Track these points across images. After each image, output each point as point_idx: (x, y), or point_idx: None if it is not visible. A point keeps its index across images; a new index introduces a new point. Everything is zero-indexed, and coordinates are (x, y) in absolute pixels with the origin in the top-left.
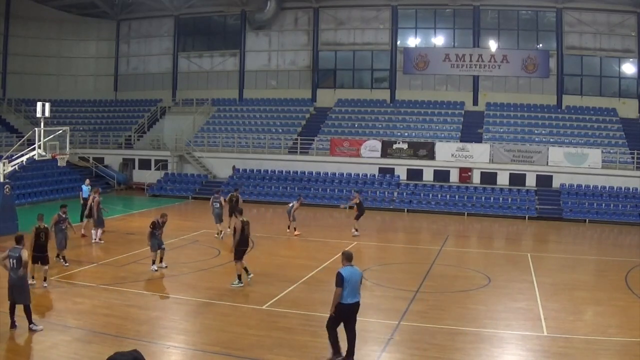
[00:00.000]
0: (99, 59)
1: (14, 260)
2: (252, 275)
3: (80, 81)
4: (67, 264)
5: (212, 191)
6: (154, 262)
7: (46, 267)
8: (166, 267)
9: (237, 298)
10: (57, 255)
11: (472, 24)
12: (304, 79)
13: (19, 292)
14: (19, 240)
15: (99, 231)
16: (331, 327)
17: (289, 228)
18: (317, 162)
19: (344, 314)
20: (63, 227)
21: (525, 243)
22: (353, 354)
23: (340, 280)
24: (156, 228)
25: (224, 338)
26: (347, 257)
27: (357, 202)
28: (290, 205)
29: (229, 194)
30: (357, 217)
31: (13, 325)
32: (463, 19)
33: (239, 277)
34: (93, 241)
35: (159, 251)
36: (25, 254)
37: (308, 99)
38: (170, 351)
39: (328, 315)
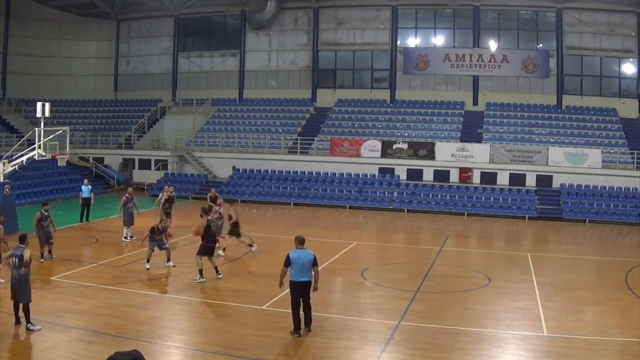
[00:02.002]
0: (99, 59)
1: (17, 259)
2: (221, 275)
3: (80, 81)
4: (50, 257)
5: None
6: (148, 261)
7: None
8: (174, 266)
9: (237, 298)
10: (42, 255)
11: (472, 24)
12: (304, 79)
13: (20, 291)
14: (22, 239)
15: (125, 229)
16: (293, 307)
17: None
18: (317, 162)
19: (297, 291)
20: (45, 225)
21: (525, 243)
22: (310, 322)
23: (287, 261)
24: (155, 233)
25: (224, 338)
26: (300, 241)
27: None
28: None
29: (208, 194)
30: (234, 233)
31: (17, 321)
32: (463, 19)
33: (200, 272)
34: (123, 238)
35: (164, 251)
36: (27, 254)
37: (308, 99)
38: (170, 351)
39: (327, 314)
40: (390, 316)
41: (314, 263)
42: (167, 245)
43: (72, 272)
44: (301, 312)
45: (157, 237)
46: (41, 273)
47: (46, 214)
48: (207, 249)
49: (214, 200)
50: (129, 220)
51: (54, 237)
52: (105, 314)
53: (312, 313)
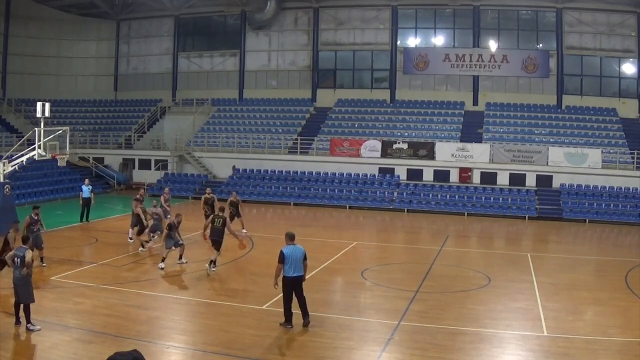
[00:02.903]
0: (99, 59)
1: (19, 260)
2: (213, 270)
3: (80, 81)
4: (41, 264)
5: (162, 191)
6: (163, 260)
7: None
8: (186, 262)
9: (237, 298)
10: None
11: (472, 24)
12: (304, 79)
13: (23, 291)
14: (25, 240)
15: (130, 230)
16: (284, 299)
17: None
18: (317, 162)
19: (290, 286)
20: (34, 230)
21: (525, 243)
22: (307, 314)
23: (281, 257)
24: (172, 229)
25: (224, 338)
26: (290, 237)
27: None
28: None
29: (229, 198)
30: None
31: (17, 321)
32: (463, 19)
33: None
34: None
35: (178, 248)
36: (29, 255)
37: (308, 99)
38: (170, 351)
39: (327, 314)
40: (390, 316)
41: (305, 257)
42: (182, 242)
43: (72, 272)
44: (295, 311)
45: (173, 233)
46: (41, 273)
47: (36, 217)
48: (212, 242)
49: (235, 204)
50: (134, 222)
51: (45, 242)
52: (105, 314)
53: (313, 313)
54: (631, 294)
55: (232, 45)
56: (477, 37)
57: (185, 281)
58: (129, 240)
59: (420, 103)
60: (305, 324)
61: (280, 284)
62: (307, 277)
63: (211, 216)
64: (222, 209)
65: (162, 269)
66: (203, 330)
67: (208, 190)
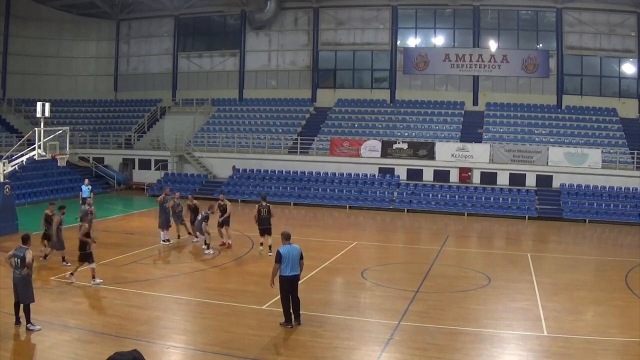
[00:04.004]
0: (99, 59)
1: (18, 260)
2: (270, 254)
3: (80, 81)
4: (45, 261)
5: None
6: (209, 247)
7: None
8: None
9: (237, 298)
10: (62, 259)
11: (472, 24)
12: (304, 79)
13: (23, 292)
14: (26, 240)
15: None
16: (283, 299)
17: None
18: (317, 162)
19: (287, 285)
20: (62, 229)
21: (525, 243)
22: (299, 316)
23: (278, 257)
24: (207, 219)
25: (224, 338)
26: (286, 237)
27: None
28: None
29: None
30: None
31: (17, 322)
32: (463, 19)
33: (261, 244)
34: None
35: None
36: (30, 255)
37: (308, 99)
38: (170, 351)
39: (327, 314)
40: (390, 316)
41: (301, 256)
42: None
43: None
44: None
45: (207, 224)
46: (41, 273)
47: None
48: (259, 230)
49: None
50: (162, 222)
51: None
52: (105, 314)
53: (313, 313)
54: (631, 294)
55: (232, 45)
56: (477, 37)
57: (185, 281)
58: (166, 242)
59: (420, 103)
60: (297, 323)
61: (277, 283)
62: (306, 276)
63: (257, 206)
64: (264, 197)
65: (212, 252)
66: (203, 330)
67: (222, 196)
